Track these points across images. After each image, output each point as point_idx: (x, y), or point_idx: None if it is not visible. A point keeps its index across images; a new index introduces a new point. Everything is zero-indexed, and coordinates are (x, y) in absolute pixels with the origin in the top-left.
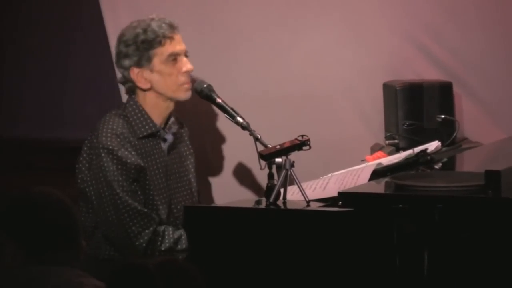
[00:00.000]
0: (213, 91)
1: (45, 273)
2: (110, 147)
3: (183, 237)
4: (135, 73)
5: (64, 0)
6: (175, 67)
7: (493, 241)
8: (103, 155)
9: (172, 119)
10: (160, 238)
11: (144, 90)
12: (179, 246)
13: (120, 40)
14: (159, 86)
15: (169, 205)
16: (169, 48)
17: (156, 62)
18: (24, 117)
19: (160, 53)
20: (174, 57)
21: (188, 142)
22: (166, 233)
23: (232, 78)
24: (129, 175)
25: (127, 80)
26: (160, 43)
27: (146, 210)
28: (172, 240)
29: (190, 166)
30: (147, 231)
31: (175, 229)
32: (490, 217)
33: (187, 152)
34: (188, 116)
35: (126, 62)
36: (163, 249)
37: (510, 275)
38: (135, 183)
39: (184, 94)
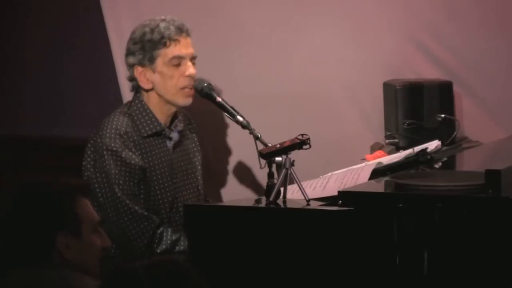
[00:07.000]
0: (213, 89)
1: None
2: (114, 149)
3: (181, 239)
4: (139, 72)
5: None
6: (177, 70)
7: (493, 240)
8: (106, 156)
9: (179, 117)
10: (157, 241)
11: (147, 90)
12: (176, 248)
13: (130, 37)
14: (159, 88)
15: (173, 203)
16: (173, 50)
17: (159, 63)
18: (25, 115)
19: (164, 55)
20: (178, 61)
21: (196, 139)
22: (164, 235)
23: (232, 77)
24: (133, 176)
25: (132, 78)
26: (164, 45)
27: (146, 213)
28: (169, 242)
29: (197, 163)
30: (146, 234)
31: (174, 231)
32: (490, 217)
33: (195, 149)
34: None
35: (131, 60)
36: (159, 251)
37: (510, 274)
38: (138, 185)
39: (183, 100)
